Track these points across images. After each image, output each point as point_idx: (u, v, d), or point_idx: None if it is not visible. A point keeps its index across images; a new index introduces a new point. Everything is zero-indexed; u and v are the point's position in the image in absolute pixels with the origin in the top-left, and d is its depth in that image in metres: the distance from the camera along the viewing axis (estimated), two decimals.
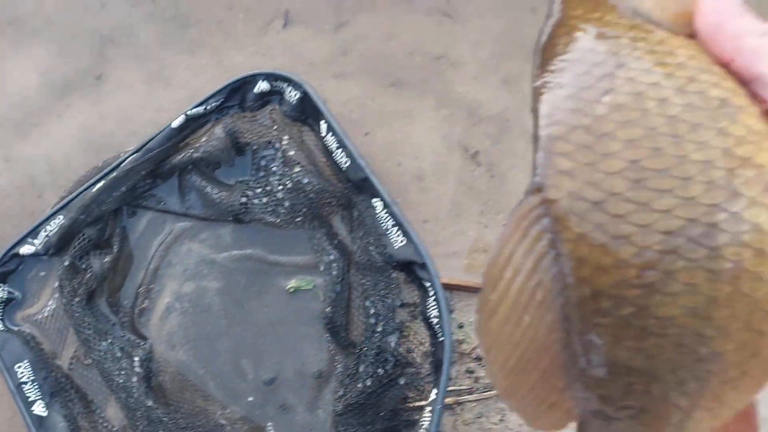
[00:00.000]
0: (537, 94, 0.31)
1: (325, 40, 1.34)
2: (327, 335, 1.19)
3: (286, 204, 1.22)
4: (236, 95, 1.26)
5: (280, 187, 1.23)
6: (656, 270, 0.26)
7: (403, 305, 1.17)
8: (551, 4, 0.33)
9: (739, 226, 0.26)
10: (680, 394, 0.28)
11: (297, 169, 1.22)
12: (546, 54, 0.32)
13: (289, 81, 1.25)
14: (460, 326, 1.20)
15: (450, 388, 1.13)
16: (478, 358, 1.18)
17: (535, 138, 0.31)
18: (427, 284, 1.11)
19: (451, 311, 1.21)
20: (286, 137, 1.23)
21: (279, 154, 1.24)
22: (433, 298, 1.10)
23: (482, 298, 0.30)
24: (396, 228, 1.15)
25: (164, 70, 1.35)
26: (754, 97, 0.28)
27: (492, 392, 1.15)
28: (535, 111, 0.31)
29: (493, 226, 1.24)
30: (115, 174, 1.22)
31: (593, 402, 0.29)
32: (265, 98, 1.28)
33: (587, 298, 0.28)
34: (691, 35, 0.30)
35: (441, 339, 1.07)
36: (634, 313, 0.27)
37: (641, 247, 0.27)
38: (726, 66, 0.28)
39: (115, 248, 1.25)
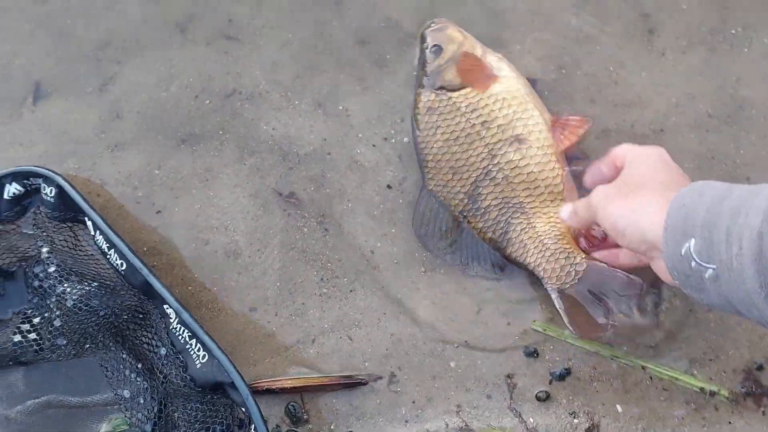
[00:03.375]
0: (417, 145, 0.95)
1: (90, 105, 1.06)
2: None
3: (67, 331, 0.94)
4: None
5: (58, 312, 0.95)
6: (475, 193, 0.90)
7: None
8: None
9: (504, 161, 0.89)
10: (512, 219, 0.89)
11: (74, 285, 0.94)
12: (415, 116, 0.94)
13: (38, 176, 0.97)
14: None
15: None
16: None
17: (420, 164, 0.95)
18: (243, 408, 0.83)
19: (305, 420, 0.93)
20: (45, 248, 0.95)
21: (49, 269, 0.96)
22: (254, 426, 0.81)
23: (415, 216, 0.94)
24: (194, 340, 0.86)
25: None
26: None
27: None
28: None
29: (336, 295, 0.95)
30: None
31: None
32: (23, 202, 1.00)
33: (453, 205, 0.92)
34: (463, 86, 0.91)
35: None
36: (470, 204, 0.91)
37: (461, 196, 0.92)
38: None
39: None
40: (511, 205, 0.89)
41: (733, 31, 0.92)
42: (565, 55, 0.94)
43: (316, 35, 1.01)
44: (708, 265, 0.58)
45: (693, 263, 0.59)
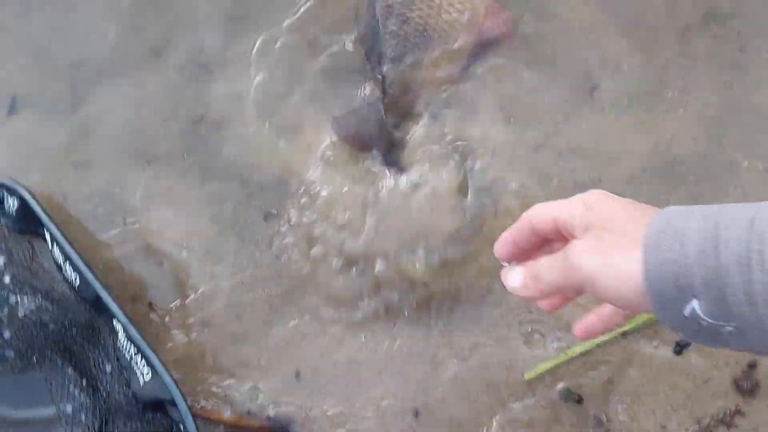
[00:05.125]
0: None
1: (61, 123, 1.09)
2: None
3: (15, 343, 0.96)
4: None
5: (8, 324, 0.97)
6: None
7: None
8: None
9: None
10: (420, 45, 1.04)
11: (27, 297, 0.96)
12: None
13: (2, 187, 1.00)
14: None
15: None
16: None
17: None
18: (181, 426, 0.85)
19: None
20: (1, 258, 0.97)
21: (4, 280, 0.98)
22: None
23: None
24: (139, 356, 0.88)
25: None
26: None
27: None
28: None
29: (281, 323, 0.98)
30: None
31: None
32: None
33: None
34: None
35: None
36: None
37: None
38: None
39: None
40: None
41: (670, 94, 0.99)
42: (514, 106, 1.01)
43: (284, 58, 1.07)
44: (726, 323, 0.49)
45: (704, 322, 0.50)
